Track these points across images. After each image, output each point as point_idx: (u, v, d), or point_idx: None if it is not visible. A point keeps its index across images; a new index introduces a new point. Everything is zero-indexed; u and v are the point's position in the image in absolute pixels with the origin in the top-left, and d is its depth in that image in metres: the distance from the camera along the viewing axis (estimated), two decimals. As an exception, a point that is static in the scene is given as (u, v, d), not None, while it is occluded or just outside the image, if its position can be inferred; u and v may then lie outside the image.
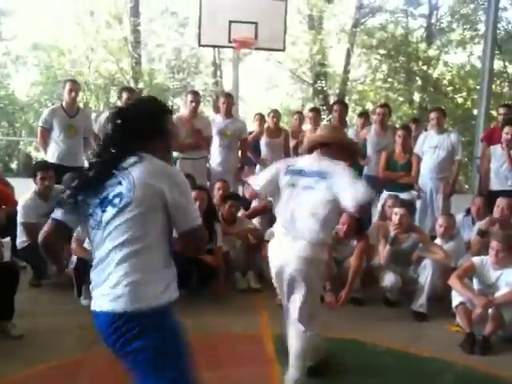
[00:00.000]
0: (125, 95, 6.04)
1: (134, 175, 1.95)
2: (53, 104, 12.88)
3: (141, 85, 19.76)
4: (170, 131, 2.15)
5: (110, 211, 1.95)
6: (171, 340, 1.93)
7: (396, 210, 4.80)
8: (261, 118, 6.93)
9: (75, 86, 6.12)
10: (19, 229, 4.96)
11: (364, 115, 7.37)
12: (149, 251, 1.94)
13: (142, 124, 2.05)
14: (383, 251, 4.74)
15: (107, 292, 1.93)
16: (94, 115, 6.68)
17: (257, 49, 9.41)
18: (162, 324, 1.92)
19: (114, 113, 2.09)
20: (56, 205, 2.16)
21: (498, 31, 12.20)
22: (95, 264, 2.03)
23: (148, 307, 1.89)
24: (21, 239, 4.97)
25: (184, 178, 2.04)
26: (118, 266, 1.92)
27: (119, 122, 2.04)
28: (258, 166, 6.66)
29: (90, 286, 2.06)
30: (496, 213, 4.97)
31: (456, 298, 4.17)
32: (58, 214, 2.14)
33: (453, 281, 4.17)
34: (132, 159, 1.99)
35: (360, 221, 4.82)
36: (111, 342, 1.94)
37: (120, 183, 1.96)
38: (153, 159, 2.01)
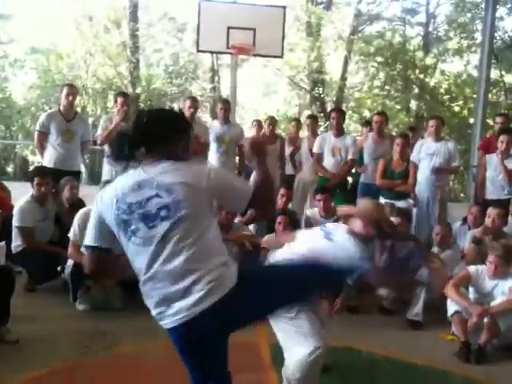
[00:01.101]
0: (119, 100, 6.04)
1: (167, 182, 1.95)
2: (50, 108, 12.91)
3: (138, 90, 19.77)
4: (188, 132, 2.21)
5: (163, 225, 1.94)
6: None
7: (392, 219, 4.80)
8: (258, 125, 6.95)
9: (73, 90, 6.12)
10: (14, 233, 4.94)
11: (369, 124, 7.39)
12: (212, 247, 1.98)
13: (163, 127, 2.08)
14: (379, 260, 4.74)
15: (194, 298, 1.91)
16: (91, 119, 6.69)
17: (255, 55, 9.44)
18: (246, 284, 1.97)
19: (137, 119, 2.13)
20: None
21: (494, 40, 12.27)
22: (150, 278, 1.98)
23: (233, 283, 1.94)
24: (16, 243, 4.95)
25: (211, 165, 2.14)
26: (191, 273, 1.92)
27: (142, 125, 2.08)
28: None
29: (151, 303, 2.01)
30: (487, 222, 5.00)
31: (451, 307, 4.17)
32: (88, 240, 2.14)
33: (448, 289, 4.18)
34: (158, 168, 2.00)
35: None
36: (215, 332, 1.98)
37: (158, 195, 1.95)
38: (175, 162, 2.03)
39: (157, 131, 2.06)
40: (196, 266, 1.92)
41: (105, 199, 2.07)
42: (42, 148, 6.06)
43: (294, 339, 2.83)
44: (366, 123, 7.56)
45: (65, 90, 6.06)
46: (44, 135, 6.00)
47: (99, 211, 2.09)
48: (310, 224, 5.56)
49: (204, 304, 1.90)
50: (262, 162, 2.22)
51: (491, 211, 4.99)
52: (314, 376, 2.84)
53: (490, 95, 13.64)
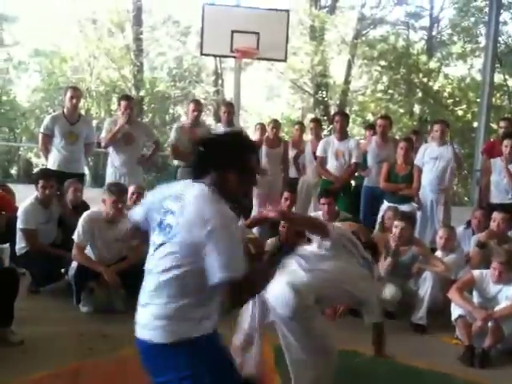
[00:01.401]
0: (123, 103, 6.04)
1: (185, 212, 1.93)
2: (54, 110, 12.94)
3: (142, 93, 19.82)
4: (252, 170, 2.09)
5: (160, 238, 1.99)
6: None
7: (396, 222, 4.80)
8: (262, 128, 6.95)
9: (76, 93, 6.13)
10: (19, 235, 4.95)
11: (372, 127, 7.39)
12: (184, 288, 1.93)
13: (221, 152, 2.02)
14: (383, 263, 4.74)
15: (146, 321, 1.99)
16: (95, 122, 6.70)
17: (258, 59, 9.47)
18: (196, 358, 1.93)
19: (202, 138, 2.11)
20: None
21: (498, 45, 12.27)
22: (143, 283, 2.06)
23: (181, 340, 1.91)
24: (20, 245, 4.96)
25: (226, 222, 1.88)
26: (156, 296, 1.96)
27: (202, 145, 2.05)
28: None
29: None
30: (492, 227, 4.99)
31: (455, 311, 4.17)
32: (135, 215, 2.25)
33: (452, 293, 4.17)
34: (195, 189, 1.98)
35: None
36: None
37: (172, 213, 1.97)
38: (211, 196, 1.95)
39: (204, 153, 2.04)
40: (158, 289, 1.96)
41: (156, 193, 2.17)
42: (46, 150, 6.07)
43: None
44: (370, 126, 7.55)
45: (69, 93, 6.06)
46: (48, 138, 6.01)
47: (149, 200, 2.19)
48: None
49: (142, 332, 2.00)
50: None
51: (496, 215, 4.98)
52: None
53: (493, 99, 13.65)
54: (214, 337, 1.99)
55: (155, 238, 2.02)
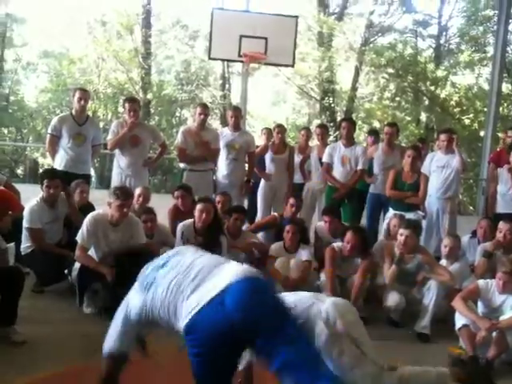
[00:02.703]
0: (127, 105, 6.06)
1: None
2: (61, 111, 13.00)
3: (149, 95, 19.88)
4: None
5: None
6: None
7: (401, 230, 4.78)
8: (268, 133, 6.96)
9: (85, 95, 6.15)
10: (24, 234, 4.96)
11: (374, 133, 7.37)
12: None
13: None
14: (388, 271, 4.72)
15: None
16: (101, 124, 6.71)
17: (266, 64, 9.49)
18: None
19: None
20: None
21: (506, 54, 12.25)
22: None
23: None
24: (25, 245, 4.97)
25: None
26: None
27: None
28: (262, 181, 6.68)
29: None
30: (499, 237, 4.96)
31: (459, 321, 4.14)
32: None
33: (456, 302, 4.15)
34: None
35: (364, 239, 4.82)
36: None
37: None
38: None
39: None
40: None
41: None
42: (53, 151, 6.10)
43: None
44: (371, 132, 7.52)
45: (77, 94, 6.09)
46: (56, 138, 6.03)
47: None
48: (317, 237, 5.56)
49: None
50: None
51: (503, 226, 4.95)
52: None
53: (501, 109, 13.62)
54: None
55: None
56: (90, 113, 15.31)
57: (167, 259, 2.56)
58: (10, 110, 20.60)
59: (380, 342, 4.25)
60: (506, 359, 3.98)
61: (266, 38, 8.39)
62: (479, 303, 4.23)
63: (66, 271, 4.89)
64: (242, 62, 8.81)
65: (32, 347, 3.69)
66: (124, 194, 4.50)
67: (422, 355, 4.13)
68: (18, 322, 3.81)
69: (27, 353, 3.61)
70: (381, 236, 5.82)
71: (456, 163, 5.83)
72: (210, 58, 9.35)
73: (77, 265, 4.56)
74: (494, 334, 3.89)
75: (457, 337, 4.22)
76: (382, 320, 4.75)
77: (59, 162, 6.01)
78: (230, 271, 2.34)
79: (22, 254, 5.02)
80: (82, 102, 6.06)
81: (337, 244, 4.89)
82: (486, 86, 17.29)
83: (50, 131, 6.14)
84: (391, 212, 5.84)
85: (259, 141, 7.11)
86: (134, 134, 5.97)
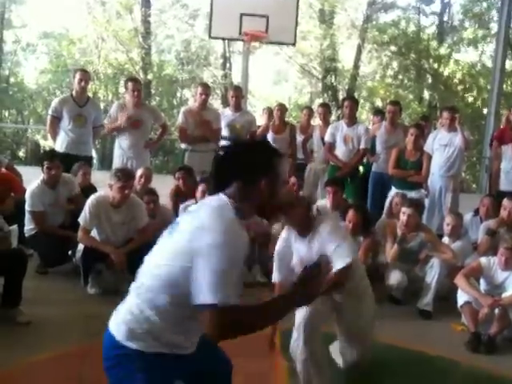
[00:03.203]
0: (130, 86, 6.02)
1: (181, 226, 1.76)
2: (62, 93, 12.94)
3: (150, 76, 19.75)
4: (281, 177, 1.86)
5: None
6: None
7: (403, 209, 4.77)
8: (269, 113, 6.91)
9: (85, 76, 6.11)
10: (27, 217, 4.98)
11: (379, 113, 7.31)
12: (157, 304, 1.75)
13: (249, 158, 1.80)
14: (390, 250, 4.73)
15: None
16: (102, 105, 6.67)
17: (267, 42, 9.39)
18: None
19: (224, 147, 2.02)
20: None
21: (510, 30, 12.10)
22: None
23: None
24: (28, 227, 4.99)
25: (221, 241, 1.62)
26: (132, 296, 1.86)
27: (224, 153, 1.86)
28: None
29: None
30: (503, 215, 4.95)
31: (461, 298, 4.16)
32: None
33: (459, 280, 4.16)
34: (211, 201, 1.78)
35: (366, 217, 4.81)
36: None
37: (170, 233, 1.80)
38: (226, 209, 1.73)
39: (227, 161, 1.84)
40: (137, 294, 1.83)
41: None
42: (54, 133, 6.08)
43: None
44: (377, 112, 7.48)
45: (77, 76, 6.06)
46: (56, 120, 6.01)
47: None
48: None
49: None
50: None
51: (507, 203, 4.93)
52: (317, 359, 2.93)
53: (504, 86, 13.50)
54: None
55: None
56: (90, 94, 15.25)
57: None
58: (11, 92, 20.51)
59: (382, 319, 4.29)
60: (507, 335, 4.01)
61: (266, 17, 8.28)
62: (481, 280, 4.24)
63: (69, 252, 4.92)
64: (242, 40, 8.71)
65: (37, 328, 3.72)
66: (125, 175, 4.50)
67: (424, 332, 4.16)
68: (23, 303, 3.84)
69: (32, 333, 3.64)
70: (383, 215, 5.82)
71: (459, 141, 5.79)
72: (210, 37, 9.23)
73: (80, 246, 4.58)
74: (497, 310, 3.91)
75: (459, 314, 4.24)
76: (385, 298, 4.77)
77: (60, 144, 5.99)
78: None
79: (26, 235, 5.05)
80: (83, 84, 6.02)
81: (339, 223, 4.89)
82: (489, 63, 17.12)
83: (50, 112, 6.12)
84: (394, 191, 5.83)
85: (260, 120, 7.06)
86: (135, 115, 5.94)
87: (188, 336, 1.82)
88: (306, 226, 3.02)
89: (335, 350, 3.35)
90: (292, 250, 3.10)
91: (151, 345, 1.74)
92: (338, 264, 2.85)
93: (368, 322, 3.23)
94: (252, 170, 1.78)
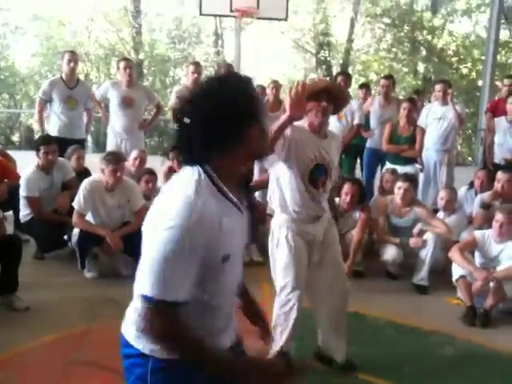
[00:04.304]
0: (122, 65, 5.97)
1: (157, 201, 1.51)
2: (53, 75, 12.79)
3: (141, 55, 19.52)
4: (260, 123, 1.49)
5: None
6: None
7: (399, 184, 4.78)
8: (262, 90, 6.84)
9: (74, 57, 6.05)
10: (22, 202, 4.97)
11: (365, 86, 7.25)
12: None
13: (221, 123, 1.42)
14: (380, 228, 4.79)
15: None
16: (94, 87, 6.60)
17: (259, 18, 9.28)
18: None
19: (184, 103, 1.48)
20: None
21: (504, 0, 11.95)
22: None
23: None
24: (24, 212, 4.98)
25: (172, 225, 1.35)
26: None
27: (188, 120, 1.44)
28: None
29: None
30: (497, 187, 4.95)
31: (456, 271, 4.19)
32: None
33: (453, 253, 4.18)
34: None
35: (363, 190, 4.83)
36: None
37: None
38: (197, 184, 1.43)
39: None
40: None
41: None
42: (41, 115, 6.03)
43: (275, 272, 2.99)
44: (362, 86, 7.34)
45: (66, 57, 6.00)
46: (45, 102, 5.96)
47: None
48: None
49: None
50: None
51: (501, 176, 4.93)
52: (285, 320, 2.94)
53: (498, 57, 13.39)
54: None
55: None
56: (81, 76, 15.11)
57: None
58: (2, 76, 20.27)
59: (378, 294, 4.35)
60: (503, 309, 4.05)
61: (257, -8, 8.17)
62: (476, 254, 4.27)
63: (65, 237, 4.92)
64: (234, 17, 8.61)
65: (35, 313, 3.75)
66: (115, 158, 4.49)
67: (420, 307, 4.20)
68: (21, 289, 3.86)
69: (31, 318, 3.67)
70: (376, 192, 5.83)
71: (452, 116, 5.77)
72: (201, 14, 9.11)
73: (76, 230, 4.58)
74: (492, 284, 3.93)
75: (454, 288, 4.28)
76: (380, 273, 4.81)
77: (52, 128, 5.96)
78: None
79: (22, 221, 5.04)
80: (72, 64, 5.96)
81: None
82: (483, 34, 16.97)
83: (40, 95, 6.07)
84: (388, 166, 5.82)
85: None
86: (128, 95, 5.90)
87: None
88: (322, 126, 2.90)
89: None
90: (304, 143, 2.85)
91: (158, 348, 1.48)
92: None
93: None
94: (228, 129, 1.43)
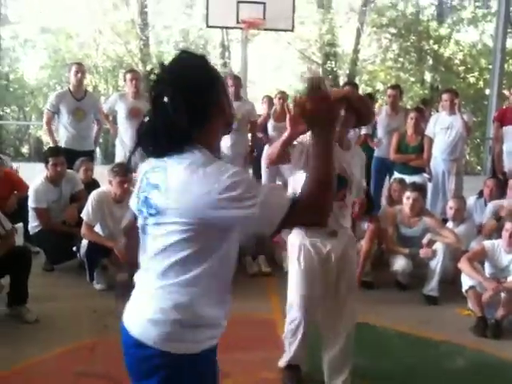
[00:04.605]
0: (128, 76, 6.02)
1: (174, 179, 1.44)
2: (62, 87, 12.91)
3: (149, 67, 19.66)
4: (222, 100, 1.52)
5: (151, 222, 1.51)
6: None
7: (408, 193, 4.76)
8: (269, 101, 6.86)
9: (81, 68, 6.12)
10: (31, 214, 4.99)
11: (369, 96, 7.24)
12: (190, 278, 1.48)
13: (198, 99, 1.45)
14: (389, 238, 4.75)
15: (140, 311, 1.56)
16: (103, 98, 6.64)
17: (265, 29, 9.33)
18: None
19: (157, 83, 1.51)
20: None
21: (511, 8, 11.95)
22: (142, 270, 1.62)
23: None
24: (33, 224, 5.00)
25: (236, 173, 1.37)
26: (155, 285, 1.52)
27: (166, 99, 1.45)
28: (266, 147, 6.64)
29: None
30: (509, 194, 4.92)
31: (466, 282, 4.14)
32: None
33: (462, 264, 4.15)
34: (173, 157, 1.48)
35: (370, 199, 4.81)
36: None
37: (157, 187, 1.47)
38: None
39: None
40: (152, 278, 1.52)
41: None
42: (50, 127, 6.08)
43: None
44: (366, 96, 7.31)
45: (73, 68, 6.06)
46: (53, 114, 6.01)
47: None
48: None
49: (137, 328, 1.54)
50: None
51: None
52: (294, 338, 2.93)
53: (506, 65, 13.36)
54: None
55: (146, 220, 1.54)
56: (90, 88, 15.21)
57: None
58: (11, 89, 20.46)
59: (388, 305, 4.32)
60: (514, 319, 4.01)
61: (263, 3, 8.22)
62: (486, 264, 4.23)
63: (74, 248, 4.94)
64: (240, 28, 8.65)
65: (45, 324, 3.75)
66: (122, 170, 4.50)
67: (430, 317, 4.17)
68: (30, 300, 3.87)
69: (40, 330, 3.67)
70: (383, 202, 5.82)
71: (460, 125, 5.77)
72: (208, 26, 9.17)
73: (84, 242, 4.59)
74: (503, 294, 3.90)
75: (465, 298, 4.24)
76: (390, 284, 4.78)
77: (60, 140, 6.00)
78: None
79: (31, 233, 5.06)
80: (79, 75, 6.02)
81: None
82: (490, 43, 16.95)
83: (47, 107, 6.11)
84: (396, 175, 5.81)
85: (260, 109, 7.02)
86: (135, 106, 5.93)
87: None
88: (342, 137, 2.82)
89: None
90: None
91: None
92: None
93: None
94: (201, 108, 1.46)
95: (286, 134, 2.37)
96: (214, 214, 1.37)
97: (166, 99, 1.44)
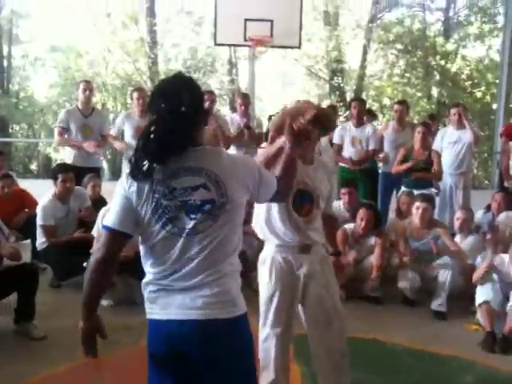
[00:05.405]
0: (135, 95, 6.07)
1: (215, 173, 1.77)
2: (71, 105, 13.05)
3: (158, 85, 19.83)
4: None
5: (203, 218, 1.77)
6: None
7: (417, 204, 4.75)
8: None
9: (89, 86, 6.18)
10: (38, 231, 5.02)
11: (368, 113, 7.17)
12: (235, 253, 1.96)
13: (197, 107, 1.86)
14: (402, 252, 4.71)
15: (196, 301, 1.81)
16: (111, 116, 6.70)
17: (272, 46, 9.40)
18: None
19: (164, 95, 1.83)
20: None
21: (517, 23, 11.98)
22: (174, 270, 1.81)
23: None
24: (40, 241, 5.03)
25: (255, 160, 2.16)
26: (206, 271, 1.82)
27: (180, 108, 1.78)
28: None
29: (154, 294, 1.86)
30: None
31: (480, 297, 4.10)
32: (112, 222, 1.84)
33: (473, 275, 4.14)
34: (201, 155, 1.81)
35: (377, 215, 4.80)
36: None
37: (206, 187, 1.76)
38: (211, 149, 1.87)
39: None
40: (212, 267, 1.82)
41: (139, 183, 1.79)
42: (62, 138, 6.06)
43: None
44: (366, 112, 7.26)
45: (81, 86, 6.13)
46: (64, 130, 6.05)
47: (128, 194, 1.81)
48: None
49: (199, 314, 1.79)
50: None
51: None
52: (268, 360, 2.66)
53: (513, 80, 13.36)
54: None
55: (190, 222, 1.76)
56: (99, 105, 15.36)
57: None
58: (21, 107, 20.71)
59: (396, 321, 4.29)
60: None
61: (271, 21, 8.30)
62: (495, 277, 4.19)
63: (85, 264, 4.94)
64: (248, 46, 8.73)
65: (53, 341, 3.75)
66: None
67: (438, 333, 4.13)
68: (38, 317, 3.88)
69: (48, 347, 3.67)
70: (391, 214, 5.80)
71: (468, 138, 5.77)
72: (216, 44, 9.26)
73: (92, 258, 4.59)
74: (510, 309, 3.86)
75: (473, 313, 4.21)
76: (398, 299, 4.74)
77: (68, 157, 6.04)
78: None
79: (38, 249, 5.08)
80: (87, 93, 6.08)
81: (348, 226, 4.87)
82: (497, 58, 16.98)
83: (58, 123, 6.17)
84: (404, 190, 5.79)
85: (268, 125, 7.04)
86: (142, 125, 5.97)
87: None
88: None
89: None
90: None
91: None
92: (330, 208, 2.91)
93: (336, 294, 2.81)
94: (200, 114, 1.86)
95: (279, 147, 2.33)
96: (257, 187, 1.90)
97: (183, 108, 1.77)
